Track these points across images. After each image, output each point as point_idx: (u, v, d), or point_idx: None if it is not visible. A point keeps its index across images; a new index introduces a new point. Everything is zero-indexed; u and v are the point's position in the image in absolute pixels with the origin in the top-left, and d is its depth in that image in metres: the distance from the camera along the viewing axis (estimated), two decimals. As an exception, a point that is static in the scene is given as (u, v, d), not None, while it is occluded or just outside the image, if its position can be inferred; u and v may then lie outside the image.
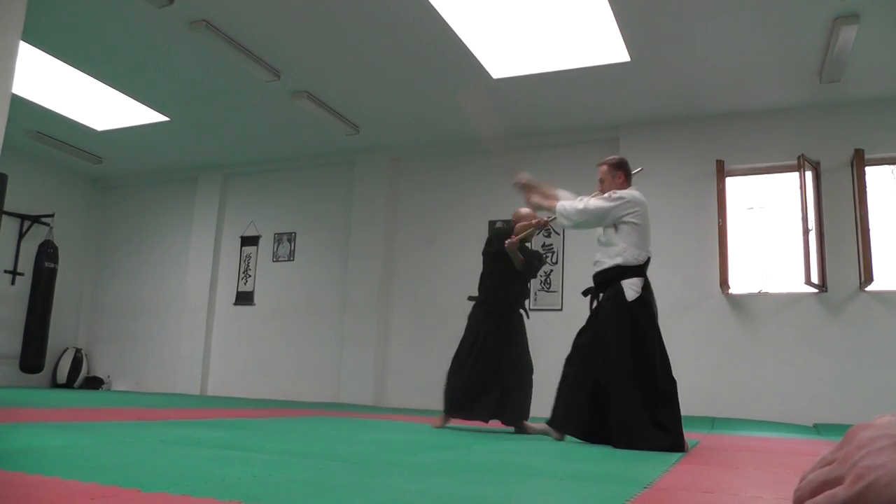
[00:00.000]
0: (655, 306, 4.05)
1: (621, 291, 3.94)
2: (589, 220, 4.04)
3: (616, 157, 4.29)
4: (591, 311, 4.23)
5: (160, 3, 5.86)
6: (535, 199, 4.42)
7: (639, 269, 4.02)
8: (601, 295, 4.13)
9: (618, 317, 3.92)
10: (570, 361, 4.24)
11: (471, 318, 5.01)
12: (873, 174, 7.14)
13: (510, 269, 4.97)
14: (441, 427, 4.86)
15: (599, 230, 4.16)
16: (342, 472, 2.21)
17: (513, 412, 4.73)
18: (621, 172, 4.18)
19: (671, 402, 3.73)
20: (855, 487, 0.56)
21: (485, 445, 3.64)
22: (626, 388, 3.78)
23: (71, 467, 1.97)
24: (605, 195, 4.09)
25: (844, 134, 7.18)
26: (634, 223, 4.03)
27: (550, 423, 4.15)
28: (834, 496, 0.58)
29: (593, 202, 4.05)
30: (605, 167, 4.22)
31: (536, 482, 2.20)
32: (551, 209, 4.25)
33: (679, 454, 3.51)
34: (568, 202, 4.14)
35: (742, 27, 5.92)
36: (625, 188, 4.14)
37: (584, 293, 4.33)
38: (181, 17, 6.19)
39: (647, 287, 4.02)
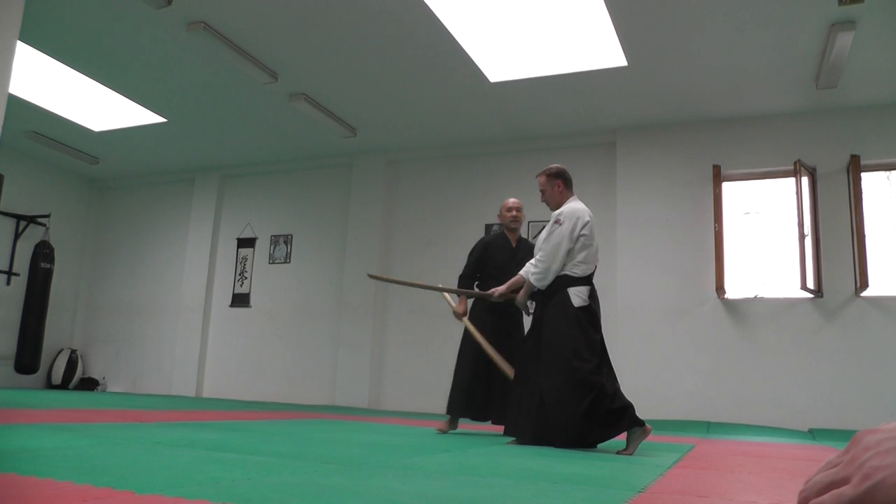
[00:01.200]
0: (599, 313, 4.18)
1: (567, 298, 4.01)
2: (553, 259, 4.05)
3: (554, 166, 4.32)
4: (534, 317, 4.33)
5: (158, 4, 5.86)
6: (510, 296, 4.49)
7: (585, 280, 4.09)
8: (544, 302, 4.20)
9: (564, 323, 3.99)
10: (519, 367, 4.32)
11: (471, 316, 4.94)
12: (869, 180, 7.16)
13: (501, 264, 4.95)
14: (447, 431, 4.78)
15: (539, 240, 4.24)
16: (337, 474, 2.21)
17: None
18: (559, 181, 4.25)
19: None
20: (862, 486, 0.57)
21: (480, 448, 3.64)
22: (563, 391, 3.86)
23: (65, 469, 1.97)
24: (545, 229, 4.18)
25: (841, 140, 7.20)
26: (583, 234, 4.09)
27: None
28: (841, 495, 0.59)
29: (542, 247, 4.13)
30: (542, 178, 4.29)
31: (532, 485, 2.20)
32: (524, 289, 4.29)
33: (675, 459, 3.51)
34: (529, 269, 4.22)
35: (739, 33, 5.94)
36: (565, 196, 4.24)
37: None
38: (179, 18, 6.19)
39: (592, 295, 4.10)
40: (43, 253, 9.65)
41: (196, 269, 10.31)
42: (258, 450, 2.85)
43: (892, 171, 7.19)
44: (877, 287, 6.84)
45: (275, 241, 10.01)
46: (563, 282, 4.05)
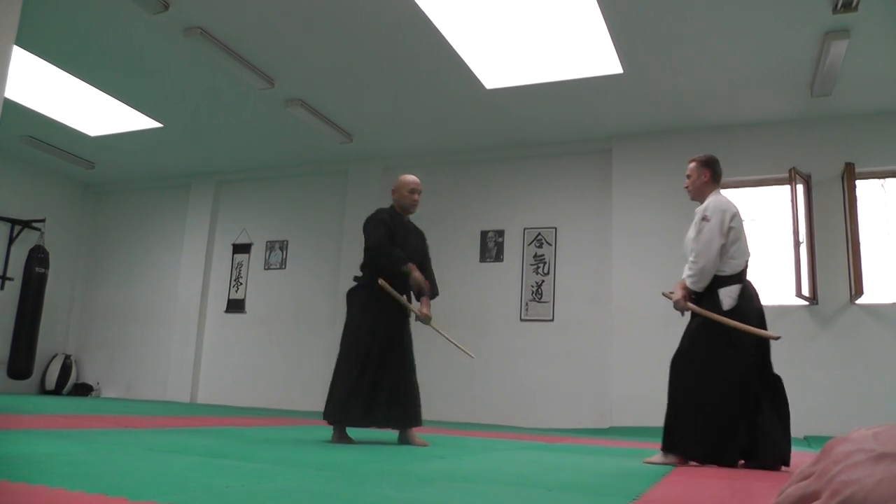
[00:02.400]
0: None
1: (717, 301, 3.78)
2: (707, 257, 3.80)
3: (708, 154, 4.18)
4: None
5: (155, 9, 5.86)
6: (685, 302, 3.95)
7: (736, 277, 3.84)
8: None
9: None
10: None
11: (365, 306, 4.48)
12: (864, 188, 7.18)
13: (401, 244, 4.59)
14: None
15: (687, 239, 4.03)
16: (332, 481, 2.20)
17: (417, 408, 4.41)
18: (708, 171, 4.08)
19: None
20: (831, 502, 0.56)
21: (475, 455, 3.64)
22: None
23: (57, 475, 1.96)
24: (693, 226, 3.96)
25: (835, 147, 7.22)
26: (732, 227, 3.86)
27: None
28: None
29: (692, 247, 3.88)
30: (694, 164, 4.14)
31: (526, 492, 2.20)
32: (682, 291, 3.93)
33: (670, 467, 3.51)
34: (687, 274, 3.92)
35: (734, 41, 5.96)
36: (710, 188, 4.06)
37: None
38: (176, 23, 6.19)
39: (744, 294, 3.83)
40: (37, 257, 9.63)
41: (191, 275, 10.29)
42: (252, 456, 2.84)
43: (887, 179, 7.21)
44: (871, 294, 6.85)
45: (270, 246, 10.00)
46: (712, 282, 3.83)
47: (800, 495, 0.61)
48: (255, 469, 2.39)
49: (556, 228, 8.33)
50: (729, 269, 3.83)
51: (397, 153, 9.19)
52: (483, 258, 8.56)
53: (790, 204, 7.11)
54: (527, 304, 8.24)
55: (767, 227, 7.52)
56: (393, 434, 4.50)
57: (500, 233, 8.58)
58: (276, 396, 9.38)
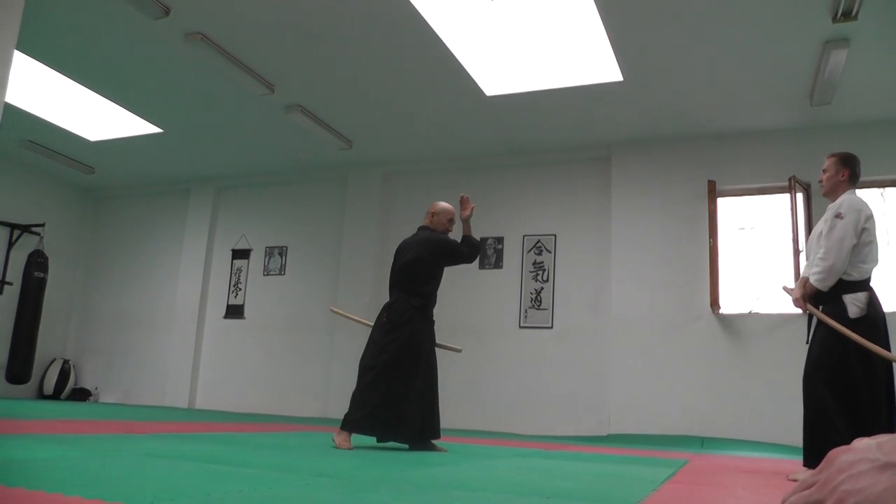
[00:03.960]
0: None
1: (842, 307, 3.62)
2: (837, 256, 3.63)
3: (849, 153, 4.00)
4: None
5: (155, 14, 5.87)
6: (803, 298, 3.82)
7: (863, 284, 3.69)
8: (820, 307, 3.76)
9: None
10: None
11: (415, 328, 4.48)
12: (863, 196, 7.16)
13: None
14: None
15: (813, 235, 3.91)
16: (329, 488, 2.20)
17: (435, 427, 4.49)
18: (847, 171, 3.89)
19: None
20: None
21: (473, 462, 3.63)
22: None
23: (55, 480, 1.95)
24: (822, 223, 3.82)
25: (835, 156, 7.22)
26: (866, 229, 3.71)
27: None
28: None
29: (822, 243, 3.71)
30: (833, 159, 3.96)
31: (525, 500, 2.19)
32: (804, 291, 3.78)
33: (668, 474, 3.50)
34: (813, 272, 3.74)
35: (734, 49, 5.97)
36: (845, 187, 3.88)
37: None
38: (176, 29, 6.20)
39: (872, 303, 3.65)
40: (37, 262, 9.62)
41: (190, 280, 10.28)
42: (250, 462, 2.84)
43: (887, 188, 7.22)
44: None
45: (269, 252, 10.00)
46: (837, 286, 3.65)
47: None
48: (253, 475, 2.38)
49: (555, 236, 8.33)
50: (857, 274, 3.65)
51: (397, 159, 9.20)
52: (482, 265, 8.55)
53: (790, 212, 7.11)
54: (526, 311, 8.24)
55: (767, 236, 7.53)
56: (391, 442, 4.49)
57: (500, 240, 8.58)
58: (275, 402, 9.36)
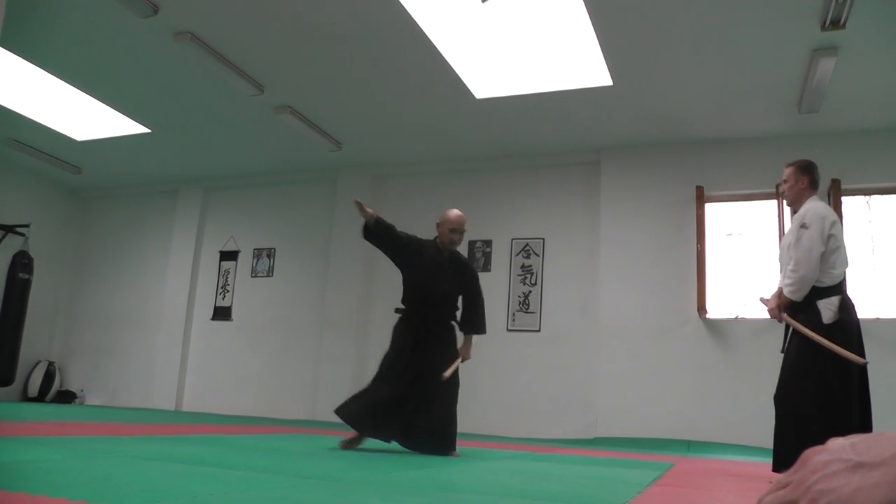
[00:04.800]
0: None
1: (816, 313, 3.67)
2: (807, 266, 3.68)
3: (806, 159, 4.05)
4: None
5: (144, 13, 5.83)
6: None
7: (835, 288, 3.74)
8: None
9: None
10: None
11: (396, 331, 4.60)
12: (849, 204, 7.24)
13: (432, 273, 4.63)
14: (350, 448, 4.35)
15: (783, 247, 3.94)
16: (316, 489, 2.19)
17: (445, 438, 4.44)
18: (806, 178, 3.95)
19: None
20: None
21: (460, 464, 3.63)
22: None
23: (39, 482, 1.94)
24: (789, 234, 3.87)
25: (822, 164, 7.16)
26: (832, 235, 3.75)
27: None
28: None
29: (791, 255, 3.76)
30: (791, 169, 4.00)
31: (512, 502, 2.19)
32: (780, 302, 3.86)
33: (654, 477, 3.51)
34: (785, 283, 3.81)
35: (723, 56, 6.01)
36: (807, 195, 3.93)
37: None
38: (166, 28, 6.17)
39: (844, 307, 3.72)
40: (21, 263, 9.52)
41: (178, 282, 10.22)
42: (237, 464, 2.82)
43: (872, 196, 7.28)
44: (858, 310, 6.88)
45: (257, 254, 9.96)
46: (811, 294, 3.70)
47: None
48: (240, 477, 2.37)
49: (543, 239, 8.35)
50: (828, 280, 3.70)
51: (386, 162, 9.20)
52: (471, 268, 8.54)
53: (777, 219, 7.16)
54: (514, 314, 8.25)
55: (754, 242, 7.57)
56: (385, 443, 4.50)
57: (488, 243, 8.59)
58: (262, 404, 9.32)
